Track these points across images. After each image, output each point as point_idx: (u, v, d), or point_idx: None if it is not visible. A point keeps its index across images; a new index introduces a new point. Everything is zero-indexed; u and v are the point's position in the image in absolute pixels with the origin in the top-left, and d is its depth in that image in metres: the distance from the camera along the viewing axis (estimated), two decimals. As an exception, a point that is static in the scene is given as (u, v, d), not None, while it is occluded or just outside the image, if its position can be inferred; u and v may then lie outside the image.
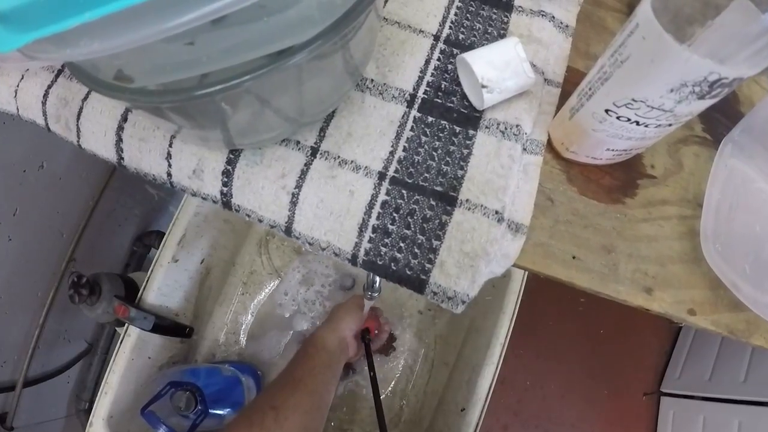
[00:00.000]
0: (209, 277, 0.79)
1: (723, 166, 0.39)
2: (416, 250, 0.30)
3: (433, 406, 0.78)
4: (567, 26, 0.38)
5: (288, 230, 0.32)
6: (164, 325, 0.69)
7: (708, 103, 0.27)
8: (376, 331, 0.70)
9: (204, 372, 0.72)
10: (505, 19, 0.37)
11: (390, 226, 0.30)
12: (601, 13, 0.41)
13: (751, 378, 0.84)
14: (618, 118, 0.29)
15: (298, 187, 0.31)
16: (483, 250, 0.30)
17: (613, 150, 0.32)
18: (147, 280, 0.69)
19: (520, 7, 0.38)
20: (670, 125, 0.29)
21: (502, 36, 0.36)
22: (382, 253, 0.30)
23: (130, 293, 0.72)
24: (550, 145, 0.35)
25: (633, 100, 0.27)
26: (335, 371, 0.54)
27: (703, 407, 0.92)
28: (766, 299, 0.37)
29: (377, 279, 0.70)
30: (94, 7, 0.17)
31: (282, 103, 0.29)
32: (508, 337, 0.69)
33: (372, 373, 0.61)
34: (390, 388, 0.82)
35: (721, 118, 0.42)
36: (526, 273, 0.72)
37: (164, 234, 0.69)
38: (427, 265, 0.30)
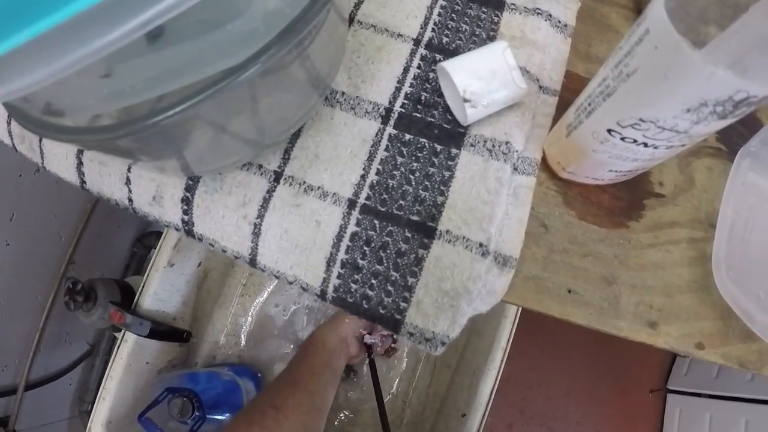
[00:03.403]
0: (207, 280, 0.77)
1: (739, 181, 0.34)
2: (390, 288, 0.26)
3: (435, 409, 0.76)
4: (566, 25, 0.33)
5: (252, 262, 0.29)
6: (161, 331, 0.67)
7: (729, 122, 0.22)
8: (380, 336, 0.67)
9: (202, 377, 0.70)
10: (496, 19, 0.32)
11: (360, 261, 0.26)
12: (604, 10, 0.35)
13: (758, 376, 0.80)
14: (622, 139, 0.24)
15: (260, 216, 0.27)
16: (464, 288, 0.26)
17: (616, 171, 0.28)
18: (143, 286, 0.66)
19: (512, 4, 0.33)
20: (683, 146, 0.25)
21: (492, 38, 0.31)
22: (352, 290, 0.26)
23: (127, 298, 0.70)
24: (545, 164, 0.30)
25: (641, 120, 0.22)
26: (336, 371, 0.52)
27: (709, 405, 0.88)
28: (782, 329, 0.33)
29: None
30: None
31: (238, 126, 0.26)
32: (510, 341, 0.66)
33: (375, 377, 0.59)
34: (392, 390, 0.79)
35: (735, 125, 0.37)
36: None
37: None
38: (402, 304, 0.26)
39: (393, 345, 0.80)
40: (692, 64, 0.19)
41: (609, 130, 0.24)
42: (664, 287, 0.31)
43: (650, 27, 0.20)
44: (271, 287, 0.84)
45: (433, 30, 0.31)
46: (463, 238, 0.26)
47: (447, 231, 0.27)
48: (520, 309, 0.66)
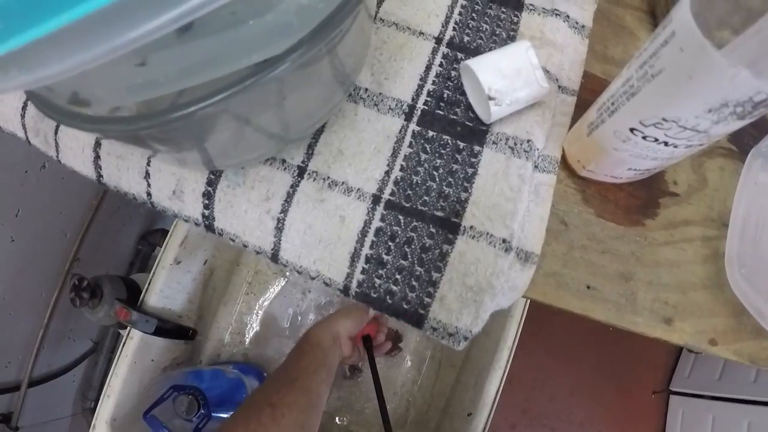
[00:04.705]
0: (213, 278, 0.76)
1: (750, 181, 0.34)
2: (414, 283, 0.26)
3: (440, 408, 0.75)
4: (583, 26, 0.33)
5: (275, 257, 0.28)
6: (167, 328, 0.66)
7: (747, 122, 0.23)
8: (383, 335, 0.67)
9: (207, 375, 0.70)
10: (515, 19, 0.32)
11: (385, 256, 0.26)
12: (619, 12, 0.36)
13: (761, 378, 0.80)
14: (644, 138, 0.24)
15: (284, 211, 0.27)
16: (488, 283, 0.26)
17: (635, 170, 0.28)
18: (149, 283, 0.66)
19: (531, 5, 0.33)
20: (701, 145, 0.25)
21: (512, 38, 0.31)
22: (376, 285, 0.26)
23: (132, 295, 0.70)
24: (564, 162, 0.30)
25: (664, 119, 0.23)
26: (330, 369, 0.52)
27: (712, 407, 0.88)
28: (794, 325, 0.33)
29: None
30: (13, 35, 0.13)
31: (264, 121, 0.25)
32: (516, 340, 0.66)
33: (375, 376, 0.59)
34: (396, 389, 0.79)
35: (747, 126, 0.37)
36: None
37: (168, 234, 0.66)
38: (426, 299, 0.26)
39: (399, 345, 0.80)
40: (717, 65, 0.19)
41: (632, 129, 0.24)
42: (679, 284, 0.32)
43: (676, 30, 0.20)
44: (277, 286, 0.83)
45: (454, 29, 0.31)
46: (487, 234, 0.26)
47: (471, 227, 0.27)
48: (527, 309, 0.67)
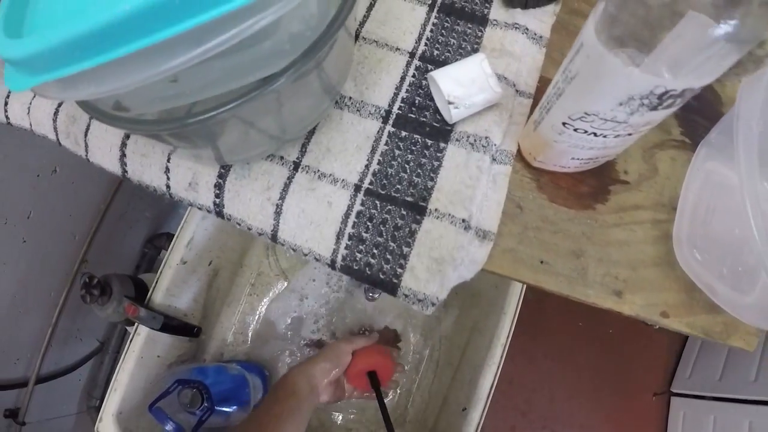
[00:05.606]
0: (217, 279, 0.85)
1: (699, 169, 0.42)
2: (388, 256, 0.35)
3: (438, 406, 0.83)
4: (541, 37, 0.42)
5: (274, 237, 0.37)
6: (173, 325, 0.75)
7: (666, 112, 0.30)
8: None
9: (211, 370, 0.78)
10: (480, 34, 0.41)
11: (364, 234, 0.35)
12: (577, 22, 0.44)
13: (761, 378, 0.86)
14: (575, 130, 0.32)
15: (282, 198, 0.36)
16: (450, 256, 0.35)
17: (578, 159, 0.36)
18: (156, 281, 0.75)
19: (494, 20, 0.42)
20: (629, 135, 0.33)
21: (476, 50, 0.40)
22: (357, 258, 0.35)
23: (140, 294, 0.79)
24: (520, 155, 0.39)
25: (586, 113, 0.31)
26: (304, 416, 0.58)
27: (713, 407, 0.95)
28: (745, 301, 0.41)
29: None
30: (90, 57, 0.22)
31: (265, 124, 0.35)
32: (510, 337, 0.73)
33: (384, 411, 0.65)
34: (395, 389, 0.87)
35: (701, 120, 0.45)
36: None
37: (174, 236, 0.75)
38: (399, 270, 0.35)
39: (397, 345, 0.88)
40: (614, 67, 0.27)
41: (564, 123, 0.32)
42: (629, 262, 0.39)
43: (584, 41, 0.29)
44: (278, 289, 0.92)
45: (425, 44, 0.41)
46: (449, 215, 0.35)
47: (436, 209, 0.35)
48: (519, 307, 0.75)
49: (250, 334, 0.90)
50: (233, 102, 0.29)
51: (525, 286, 0.76)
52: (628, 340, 1.10)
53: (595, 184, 0.40)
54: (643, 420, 1.08)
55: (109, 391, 0.71)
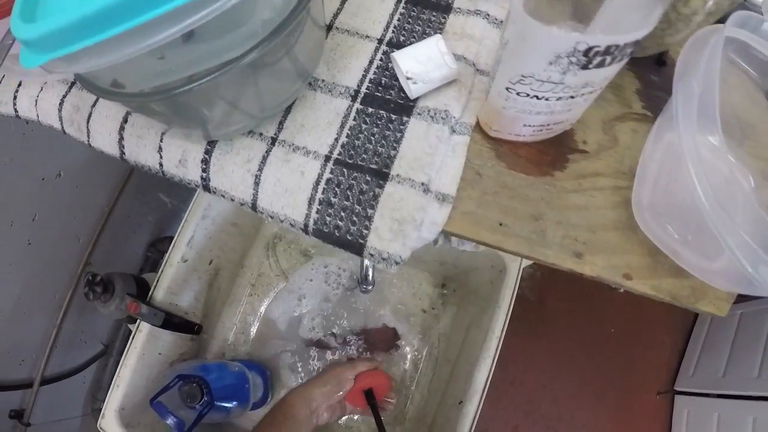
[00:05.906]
0: (218, 278, 0.91)
1: (658, 138, 0.46)
2: (354, 218, 0.40)
3: (437, 403, 0.86)
4: (501, 21, 0.47)
5: (254, 206, 0.43)
6: (174, 322, 0.80)
7: (602, 72, 0.33)
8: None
9: (213, 367, 0.83)
10: (443, 20, 0.47)
11: (332, 199, 0.40)
12: (536, 9, 0.50)
13: (764, 373, 0.88)
14: (518, 94, 0.37)
15: (260, 169, 0.42)
16: (411, 217, 0.39)
17: (530, 126, 0.41)
18: (158, 279, 0.81)
19: (458, 8, 0.47)
20: (572, 97, 0.37)
21: (439, 35, 0.46)
22: (327, 222, 0.40)
23: (142, 292, 0.85)
24: (480, 127, 0.44)
25: (522, 76, 0.35)
26: None
27: (717, 405, 0.96)
28: (713, 266, 0.43)
29: (370, 273, 0.79)
30: (90, 36, 0.28)
31: (245, 102, 0.40)
32: (504, 330, 0.76)
33: (379, 425, 0.69)
34: (395, 387, 0.90)
35: (664, 96, 0.49)
36: (521, 268, 0.80)
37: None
38: (364, 231, 0.40)
39: (396, 342, 0.92)
40: (536, 28, 0.31)
41: (507, 88, 0.37)
42: (589, 225, 0.43)
43: (511, 9, 0.33)
44: (278, 289, 0.97)
45: (393, 31, 0.46)
46: (410, 179, 0.40)
47: (397, 175, 0.40)
48: (513, 301, 0.78)
49: (250, 335, 0.95)
50: (212, 74, 0.34)
51: (518, 280, 0.80)
52: (630, 339, 1.11)
53: (553, 153, 0.44)
54: (647, 419, 1.09)
55: (111, 387, 0.75)
